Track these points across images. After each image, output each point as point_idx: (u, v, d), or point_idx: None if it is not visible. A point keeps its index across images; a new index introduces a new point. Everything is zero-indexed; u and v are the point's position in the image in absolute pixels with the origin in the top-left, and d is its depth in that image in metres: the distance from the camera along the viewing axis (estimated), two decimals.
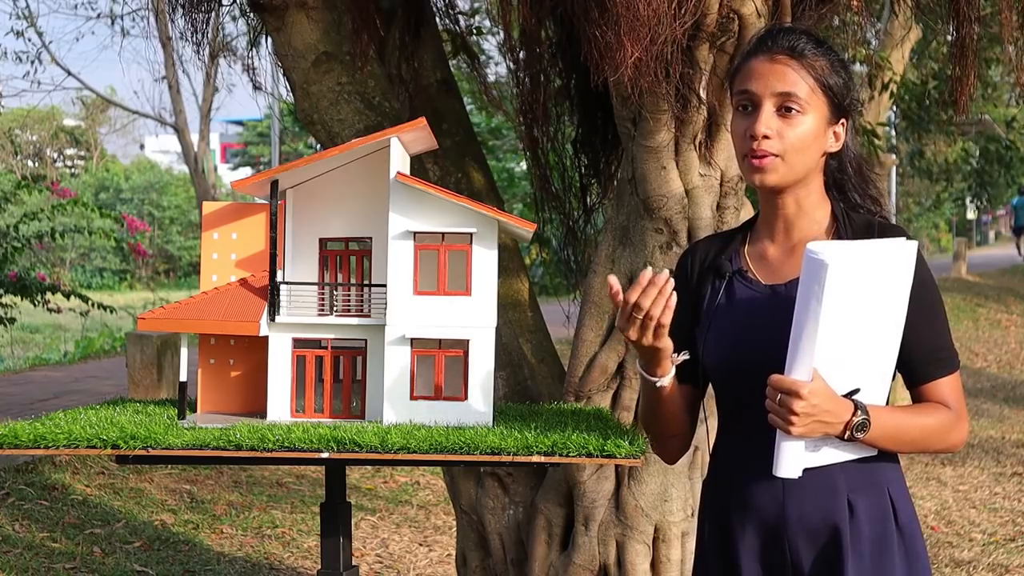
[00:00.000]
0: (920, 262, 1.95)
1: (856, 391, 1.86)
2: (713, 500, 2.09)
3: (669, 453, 2.21)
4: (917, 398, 1.99)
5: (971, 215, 38.55)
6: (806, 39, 1.98)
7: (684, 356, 2.00)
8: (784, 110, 1.95)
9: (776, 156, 1.95)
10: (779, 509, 1.96)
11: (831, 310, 1.79)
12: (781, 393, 1.82)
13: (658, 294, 1.85)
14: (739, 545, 2.00)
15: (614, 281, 1.89)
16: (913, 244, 1.87)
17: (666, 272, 1.88)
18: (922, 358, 1.96)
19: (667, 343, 1.93)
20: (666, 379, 1.99)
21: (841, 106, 1.99)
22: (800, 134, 1.94)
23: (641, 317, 1.86)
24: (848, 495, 1.94)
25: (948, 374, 1.97)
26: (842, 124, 2.01)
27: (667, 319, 1.87)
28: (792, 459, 1.86)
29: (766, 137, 1.94)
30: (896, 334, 1.88)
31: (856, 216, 2.02)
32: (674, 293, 1.87)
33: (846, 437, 1.85)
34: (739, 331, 1.99)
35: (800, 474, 1.88)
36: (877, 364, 1.89)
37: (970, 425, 2.01)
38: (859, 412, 1.85)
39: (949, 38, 3.48)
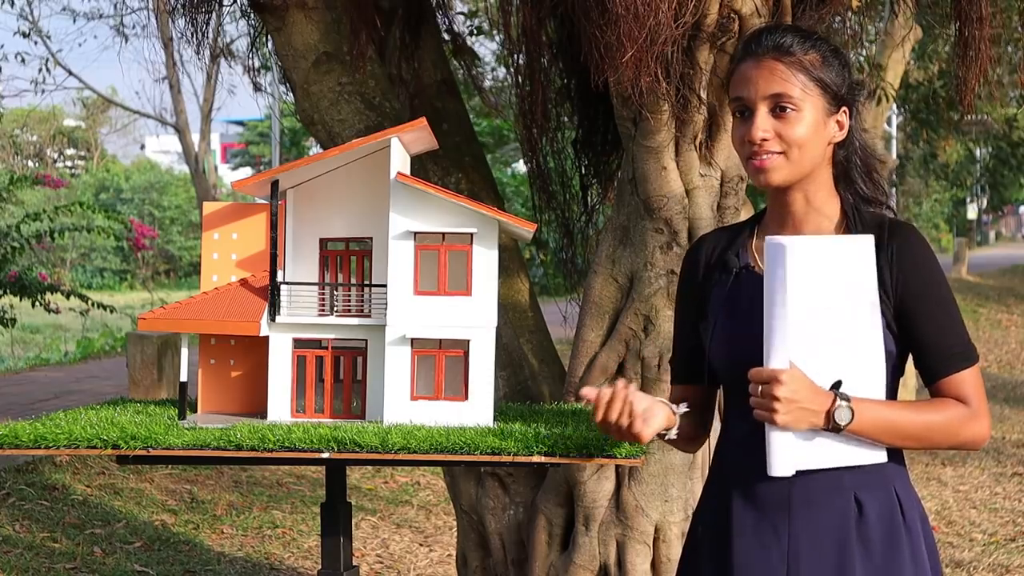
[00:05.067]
0: (928, 258, 1.95)
1: (839, 383, 1.86)
2: (716, 496, 2.06)
3: (690, 450, 2.22)
4: (935, 395, 1.96)
5: (971, 215, 38.57)
6: (792, 35, 1.97)
7: (684, 408, 2.01)
8: (779, 110, 1.94)
9: (779, 154, 1.94)
10: (784, 505, 1.94)
11: (798, 297, 1.80)
12: (761, 384, 1.83)
13: (622, 404, 1.91)
14: (736, 543, 1.98)
15: (587, 393, 1.94)
16: (870, 239, 1.87)
17: (621, 382, 1.94)
18: (935, 355, 1.94)
19: (653, 423, 1.94)
20: (673, 431, 2.01)
21: (839, 95, 1.97)
22: (799, 132, 1.93)
23: (615, 426, 1.92)
24: (855, 492, 1.93)
25: (963, 369, 1.94)
26: (844, 112, 1.99)
27: (637, 425, 1.91)
28: (785, 454, 1.85)
29: (765, 140, 1.94)
30: (876, 329, 1.88)
31: (867, 213, 2.01)
32: (634, 395, 1.92)
33: (830, 427, 1.85)
34: (746, 328, 1.97)
35: (793, 472, 1.87)
36: (861, 360, 1.88)
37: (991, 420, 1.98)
38: (839, 400, 1.84)
39: (952, 38, 3.48)
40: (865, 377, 1.89)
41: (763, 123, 1.94)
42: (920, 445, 1.95)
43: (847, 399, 1.85)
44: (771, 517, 1.95)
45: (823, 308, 1.83)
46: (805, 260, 1.81)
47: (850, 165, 2.03)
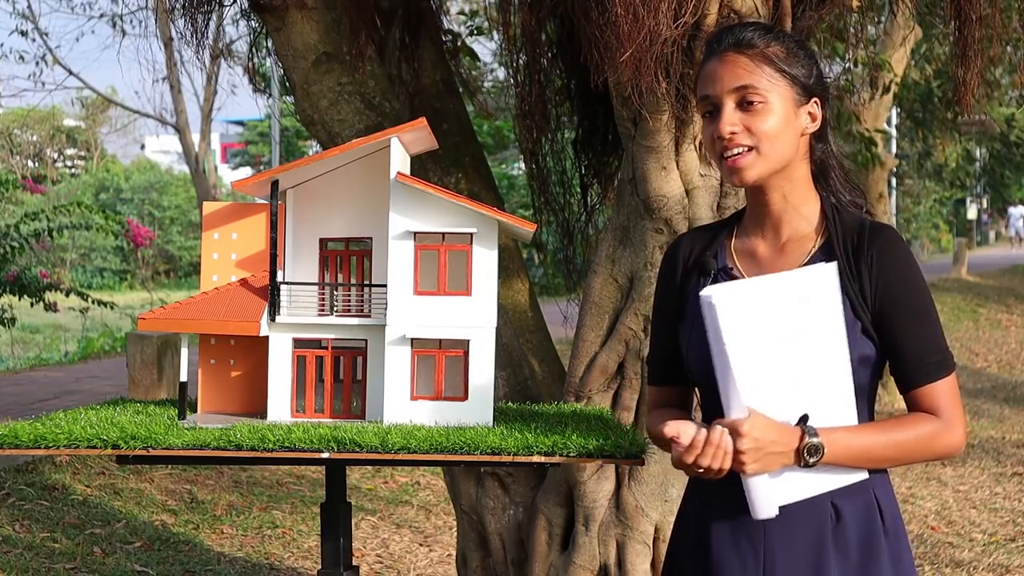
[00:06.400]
0: (908, 265, 1.92)
1: (805, 417, 1.83)
2: (696, 499, 2.05)
3: None
4: (909, 403, 1.94)
5: (971, 215, 38.57)
6: (752, 29, 1.95)
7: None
8: (745, 104, 1.91)
9: (750, 149, 1.91)
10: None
11: (741, 347, 1.77)
12: None
13: (716, 448, 1.80)
14: (715, 549, 1.97)
15: (674, 433, 1.83)
16: (832, 266, 1.83)
17: (719, 430, 1.81)
18: (910, 365, 1.91)
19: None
20: None
21: (807, 85, 1.94)
22: (769, 124, 1.91)
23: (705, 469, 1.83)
24: (832, 498, 1.91)
25: (939, 379, 1.91)
26: (815, 102, 1.96)
27: (728, 464, 1.82)
28: (765, 497, 1.83)
29: (733, 134, 1.91)
30: (843, 354, 1.85)
31: (847, 214, 1.98)
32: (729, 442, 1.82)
33: (801, 464, 1.82)
34: None
35: (777, 512, 1.84)
36: (830, 387, 1.85)
37: (968, 427, 1.93)
38: (808, 436, 1.81)
39: (951, 38, 3.48)
40: (834, 405, 1.86)
41: (730, 117, 1.91)
42: (894, 464, 1.94)
43: (815, 433, 1.82)
44: (747, 524, 1.93)
45: (780, 349, 1.80)
46: (741, 312, 1.77)
47: (827, 162, 2.01)
